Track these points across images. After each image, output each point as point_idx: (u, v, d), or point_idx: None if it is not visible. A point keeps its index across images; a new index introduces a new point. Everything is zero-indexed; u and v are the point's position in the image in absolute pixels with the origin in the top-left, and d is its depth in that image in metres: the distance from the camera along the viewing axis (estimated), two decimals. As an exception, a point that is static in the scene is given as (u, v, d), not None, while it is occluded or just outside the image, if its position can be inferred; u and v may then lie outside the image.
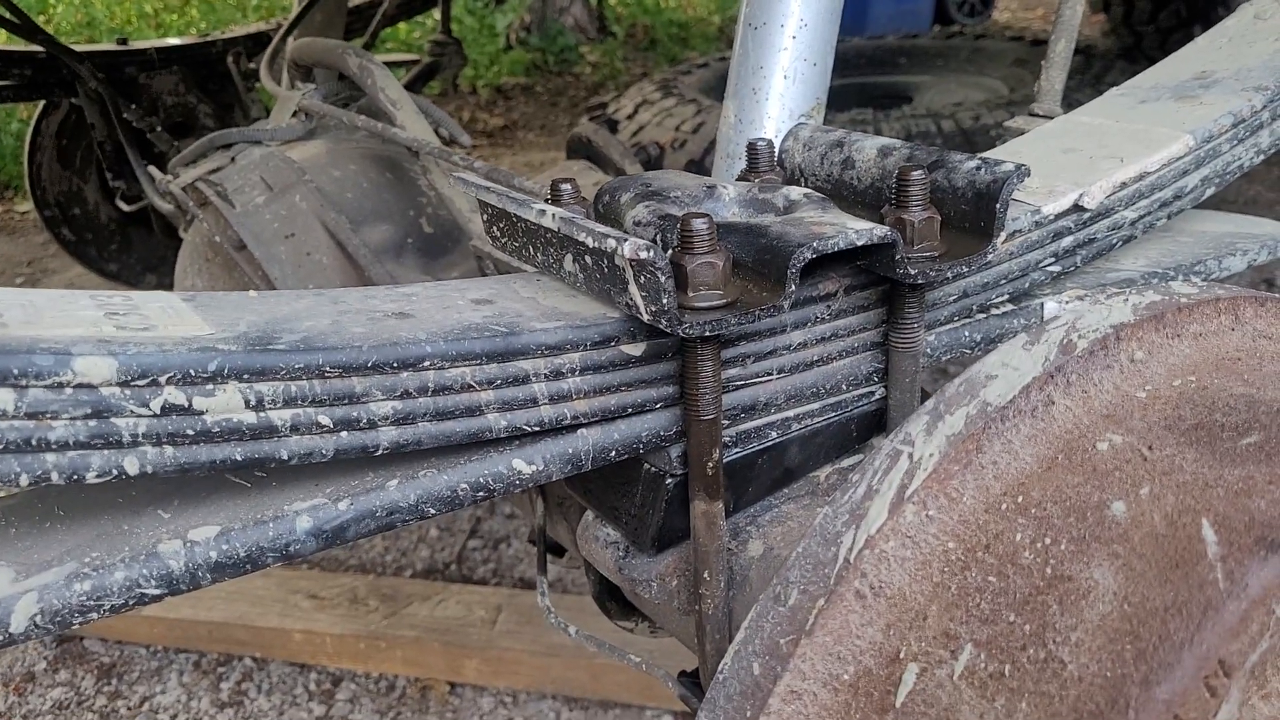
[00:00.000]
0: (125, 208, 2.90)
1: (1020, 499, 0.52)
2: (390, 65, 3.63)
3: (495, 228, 0.90)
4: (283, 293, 0.77)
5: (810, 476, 0.94)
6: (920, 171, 0.85)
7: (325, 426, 0.67)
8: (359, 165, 1.80)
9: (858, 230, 0.79)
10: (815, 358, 0.89)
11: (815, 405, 0.90)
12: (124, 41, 2.90)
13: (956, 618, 0.50)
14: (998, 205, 0.85)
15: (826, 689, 0.52)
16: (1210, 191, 1.09)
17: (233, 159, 1.78)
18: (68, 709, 2.04)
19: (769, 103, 1.24)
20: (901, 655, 0.51)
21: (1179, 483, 0.49)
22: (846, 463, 0.96)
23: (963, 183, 0.88)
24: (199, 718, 2.00)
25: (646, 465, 0.86)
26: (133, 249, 3.16)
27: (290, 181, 1.70)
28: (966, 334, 0.97)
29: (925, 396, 1.21)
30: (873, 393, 0.94)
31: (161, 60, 2.77)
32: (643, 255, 0.71)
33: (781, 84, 1.23)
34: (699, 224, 0.76)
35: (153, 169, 2.02)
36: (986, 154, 1.14)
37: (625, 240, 0.72)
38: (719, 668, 0.54)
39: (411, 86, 3.13)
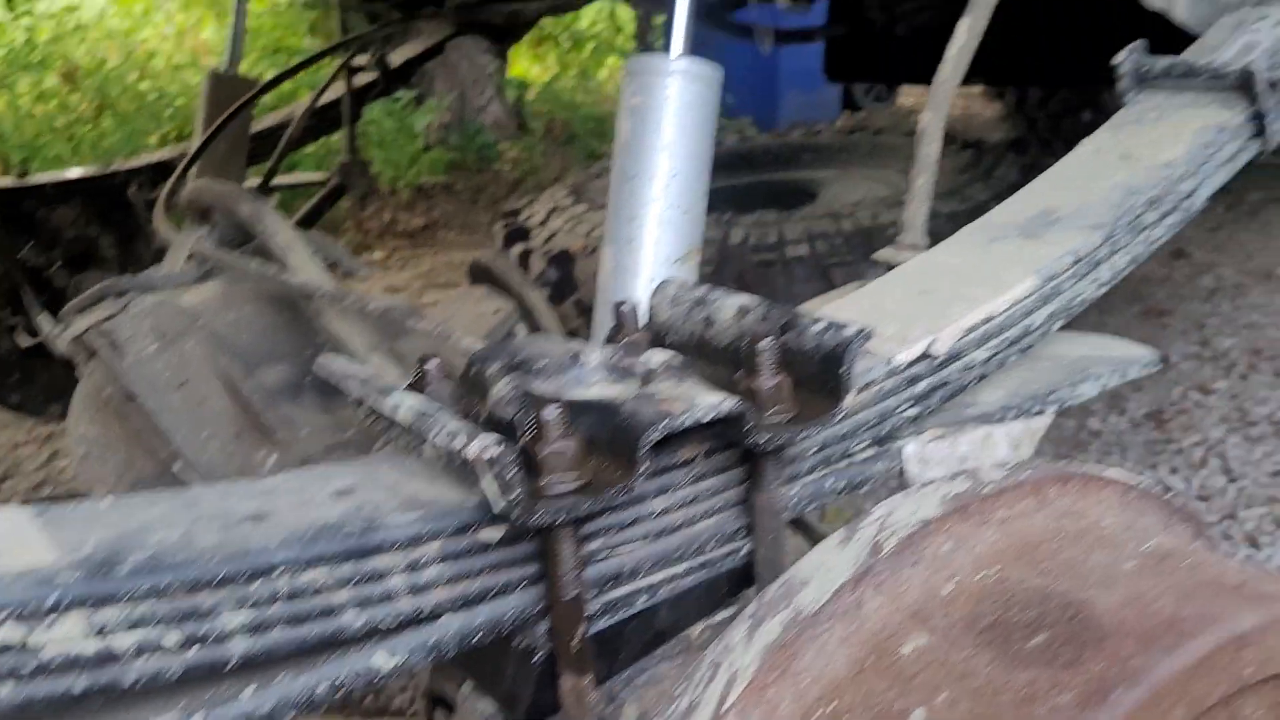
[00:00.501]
0: (25, 342, 2.85)
1: (832, 705, 0.55)
2: (297, 187, 3.66)
3: (359, 411, 0.92)
4: (136, 500, 0.77)
5: (682, 635, 0.95)
6: (769, 339, 0.89)
7: (171, 647, 0.68)
8: (255, 306, 1.80)
9: (705, 406, 0.82)
10: (679, 521, 0.91)
11: (682, 567, 0.92)
12: (24, 174, 2.88)
13: (771, 834, 0.52)
14: (843, 369, 0.88)
15: None
16: (1058, 325, 1.15)
17: (125, 306, 1.78)
18: None
19: (644, 250, 1.28)
20: None
21: (973, 688, 0.52)
22: (719, 617, 0.97)
23: (811, 345, 0.92)
24: None
25: (515, 642, 0.87)
26: (35, 380, 3.11)
27: (182, 329, 1.70)
28: (830, 483, 1.01)
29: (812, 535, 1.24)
30: (739, 548, 0.96)
31: (60, 194, 2.76)
32: (489, 455, 0.73)
33: (656, 232, 1.28)
34: (550, 413, 0.79)
35: (43, 318, 2.01)
36: (848, 295, 1.19)
37: (472, 441, 0.74)
38: None
39: (319, 208, 3.15)
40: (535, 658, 0.86)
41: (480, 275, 2.08)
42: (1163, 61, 1.40)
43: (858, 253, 2.84)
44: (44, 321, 2.01)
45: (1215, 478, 2.59)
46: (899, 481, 1.05)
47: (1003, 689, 0.51)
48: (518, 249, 3.37)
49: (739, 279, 2.92)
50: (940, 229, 2.85)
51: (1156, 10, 1.56)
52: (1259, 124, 1.30)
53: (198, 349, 1.69)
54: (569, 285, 3.26)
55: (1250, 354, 3.22)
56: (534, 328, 2.02)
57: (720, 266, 2.95)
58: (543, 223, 3.83)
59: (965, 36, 1.31)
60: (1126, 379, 1.20)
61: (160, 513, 0.75)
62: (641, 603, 0.91)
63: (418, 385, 0.91)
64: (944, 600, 0.58)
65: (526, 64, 9.54)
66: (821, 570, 0.59)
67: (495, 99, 8.76)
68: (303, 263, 1.70)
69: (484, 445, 0.73)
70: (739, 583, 0.97)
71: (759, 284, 2.91)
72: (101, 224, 2.84)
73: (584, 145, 8.70)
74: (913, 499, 0.62)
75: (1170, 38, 1.57)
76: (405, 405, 0.81)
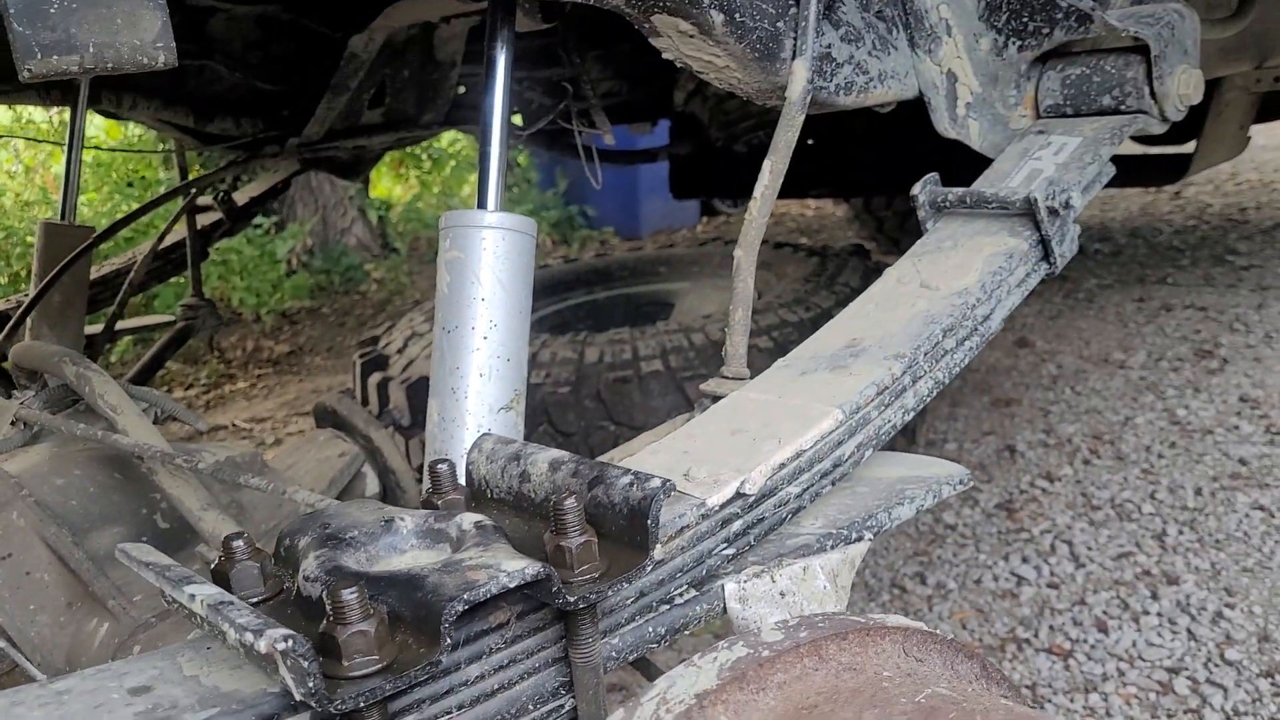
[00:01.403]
0: None
1: None
2: (143, 329, 3.58)
3: (164, 598, 0.90)
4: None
5: (509, 802, 0.94)
6: (573, 499, 0.91)
7: None
8: (85, 469, 1.75)
9: (509, 573, 0.83)
10: (496, 685, 0.91)
11: (503, 732, 0.92)
12: None
13: None
14: (649, 521, 0.90)
15: None
16: (868, 453, 1.19)
17: (-55, 478, 1.70)
18: None
19: (468, 400, 1.29)
20: None
21: None
22: (547, 778, 0.97)
23: (619, 499, 0.94)
24: None
25: (330, 828, 0.85)
26: None
27: (6, 498, 1.64)
28: (651, 629, 1.02)
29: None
30: (562, 705, 0.96)
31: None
32: (280, 647, 0.72)
33: (478, 382, 1.29)
34: (348, 595, 0.78)
35: None
36: (665, 435, 1.21)
37: (261, 634, 0.73)
38: None
39: (165, 351, 3.09)
40: (351, 844, 0.83)
41: (325, 417, 2.06)
42: (956, 191, 1.49)
43: (710, 365, 2.90)
44: None
45: (1064, 564, 2.68)
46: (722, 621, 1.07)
47: None
48: (375, 379, 3.35)
49: (596, 397, 2.95)
50: (788, 337, 2.94)
51: (954, 139, 1.66)
52: (1045, 248, 1.39)
53: (22, 519, 1.63)
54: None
55: (1091, 439, 3.38)
56: (382, 468, 2.01)
57: (577, 385, 2.98)
58: (400, 350, 3.81)
59: (769, 177, 1.37)
60: (940, 499, 1.25)
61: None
62: (463, 773, 0.90)
63: (224, 566, 0.90)
64: (720, 775, 0.59)
65: (389, 183, 9.59)
66: (600, 754, 0.59)
67: (358, 220, 8.76)
68: (133, 422, 1.66)
69: (273, 639, 0.72)
70: (564, 741, 0.97)
71: (616, 401, 2.95)
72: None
73: (451, 262, 8.70)
74: (692, 670, 0.64)
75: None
76: (200, 597, 0.80)
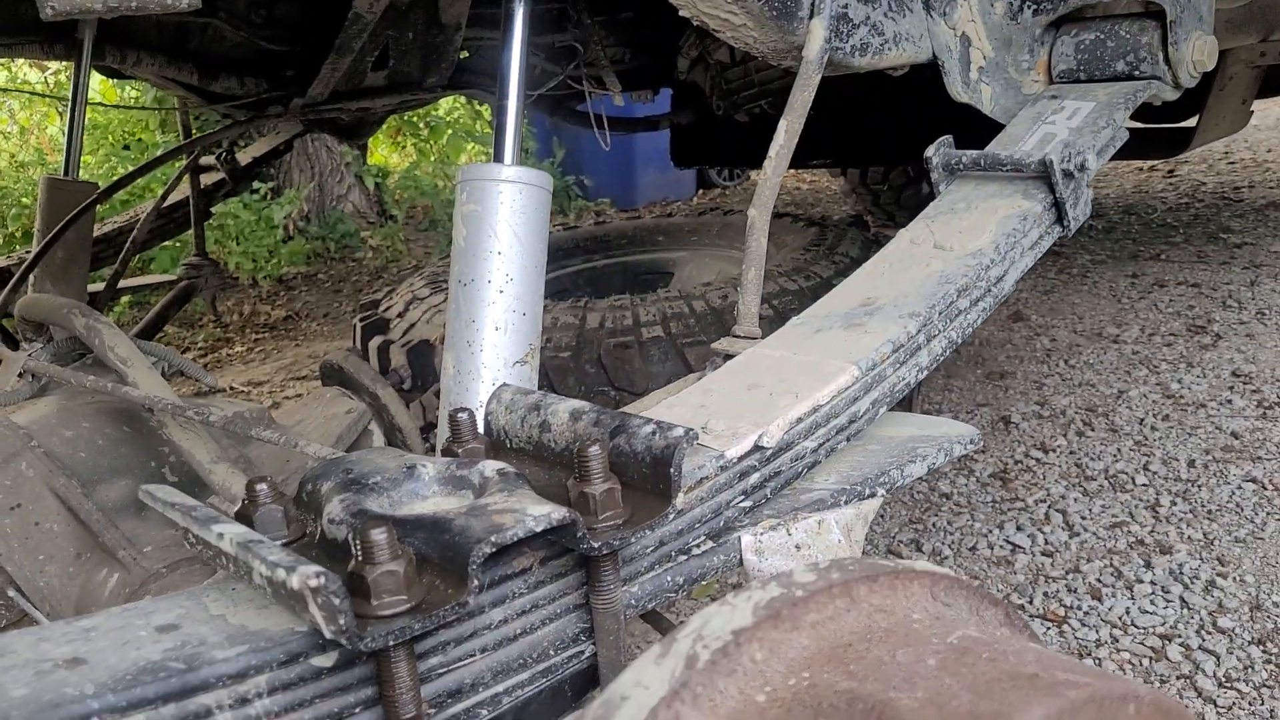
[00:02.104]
0: None
1: (650, 823, 0.56)
2: (145, 288, 3.57)
3: (187, 539, 0.91)
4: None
5: (530, 744, 0.96)
6: (596, 446, 0.91)
7: (-19, 809, 0.65)
8: (93, 422, 1.75)
9: (535, 517, 0.84)
10: (519, 630, 0.92)
11: (524, 675, 0.93)
12: None
13: None
14: (671, 469, 0.91)
15: None
16: (882, 410, 1.20)
17: (-48, 428, 1.70)
18: None
19: (483, 354, 1.29)
20: None
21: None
22: (566, 722, 0.98)
23: (641, 448, 0.94)
24: None
25: (354, 767, 0.86)
26: None
27: (15, 449, 1.64)
28: (669, 578, 1.03)
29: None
30: (582, 651, 0.97)
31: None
32: (313, 584, 0.73)
33: (494, 336, 1.29)
34: (377, 535, 0.79)
35: None
36: (682, 390, 1.22)
37: (294, 570, 0.73)
38: None
39: (167, 310, 3.08)
40: (376, 782, 0.84)
41: (332, 375, 2.07)
42: (970, 154, 1.49)
43: (710, 332, 2.90)
44: None
45: (1058, 533, 2.70)
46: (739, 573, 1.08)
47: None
48: (376, 342, 3.35)
49: (597, 362, 2.95)
50: (788, 305, 2.93)
51: (965, 103, 1.66)
52: (1058, 211, 1.40)
53: (31, 470, 1.63)
54: (430, 376, 3.25)
55: (1085, 411, 3.39)
56: (388, 425, 2.01)
57: (578, 350, 2.98)
58: (401, 314, 3.81)
59: (784, 137, 1.37)
60: (951, 457, 1.26)
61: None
62: (485, 715, 0.91)
63: (248, 510, 0.91)
64: (759, 708, 0.60)
65: (386, 151, 9.54)
66: (638, 688, 0.60)
67: (355, 187, 8.72)
68: (142, 375, 1.66)
69: (305, 576, 0.73)
70: (583, 687, 0.98)
71: (616, 366, 2.95)
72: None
73: (446, 230, 8.70)
74: (727, 608, 0.65)
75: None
76: (229, 535, 0.80)
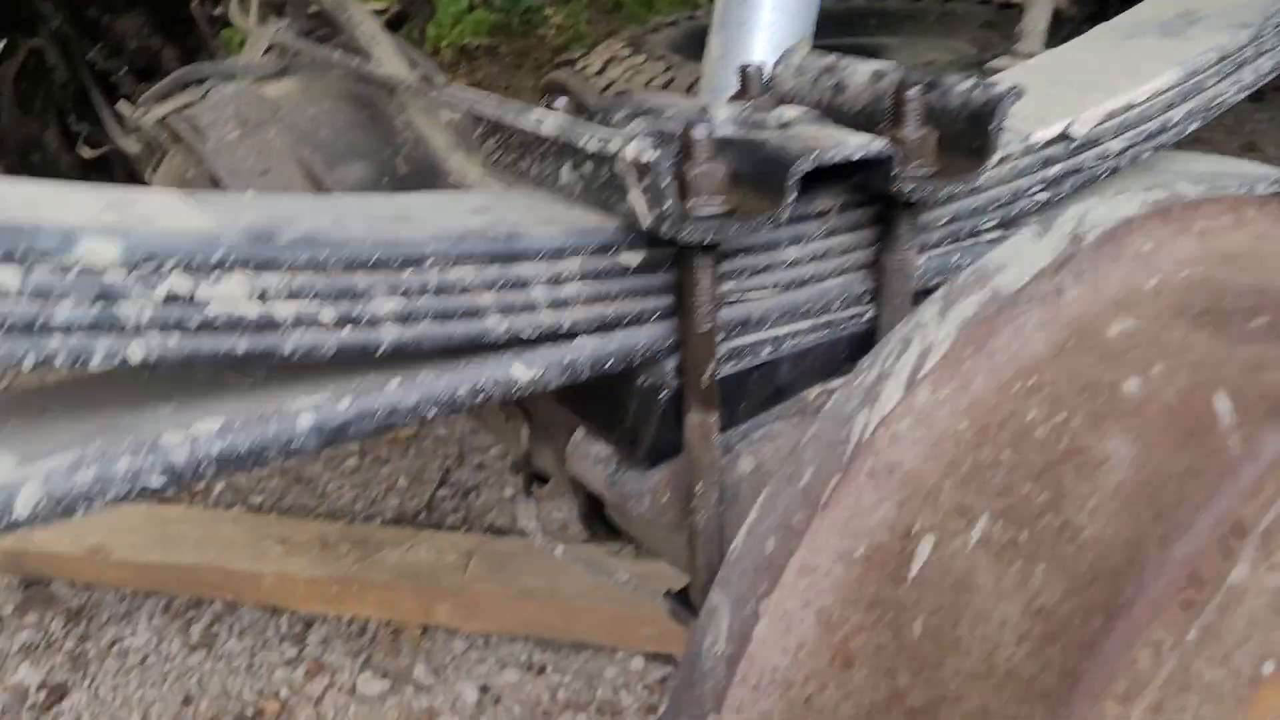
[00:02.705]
0: (87, 154, 2.84)
1: (1033, 380, 0.53)
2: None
3: (490, 143, 0.90)
4: (280, 194, 0.76)
5: (799, 396, 0.94)
6: (916, 89, 0.86)
7: (328, 323, 0.67)
8: (333, 103, 1.77)
9: (856, 143, 0.80)
10: (809, 275, 0.89)
11: (807, 323, 0.91)
12: (86, -18, 2.82)
13: (970, 491, 0.51)
14: (992, 125, 0.85)
15: (840, 563, 0.52)
16: (1194, 126, 1.11)
17: (205, 95, 1.74)
18: (36, 650, 2.03)
19: (756, 34, 1.24)
20: (915, 529, 0.51)
21: (1191, 361, 0.50)
22: (835, 383, 0.96)
23: (957, 103, 0.88)
24: (170, 659, 1.99)
25: (641, 378, 0.86)
26: (94, 195, 3.09)
27: (264, 118, 1.67)
28: (955, 259, 0.98)
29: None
30: (863, 313, 0.94)
31: (125, 2, 2.71)
32: (646, 158, 0.71)
33: (769, 15, 1.23)
34: (700, 132, 0.76)
35: (122, 105, 1.98)
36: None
37: (629, 143, 0.71)
38: (731, 547, 0.55)
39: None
40: (661, 395, 0.85)
41: (555, 91, 2.03)
42: None
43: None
44: (121, 110, 1.99)
45: None
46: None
47: (1226, 360, 0.49)
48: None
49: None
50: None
51: None
52: None
53: (279, 139, 1.66)
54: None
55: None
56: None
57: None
58: (599, 72, 3.75)
59: None
60: (1256, 195, 1.16)
61: (307, 206, 0.74)
62: (765, 354, 0.89)
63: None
64: (1149, 292, 0.56)
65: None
66: (1018, 257, 0.57)
67: (543, -39, 8.55)
68: (388, 55, 1.66)
69: (640, 149, 0.71)
70: (857, 350, 0.96)
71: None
72: (165, 35, 2.80)
73: (631, 13, 8.50)
74: (1109, 201, 0.60)
75: None
76: (550, 120, 0.79)
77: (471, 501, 2.40)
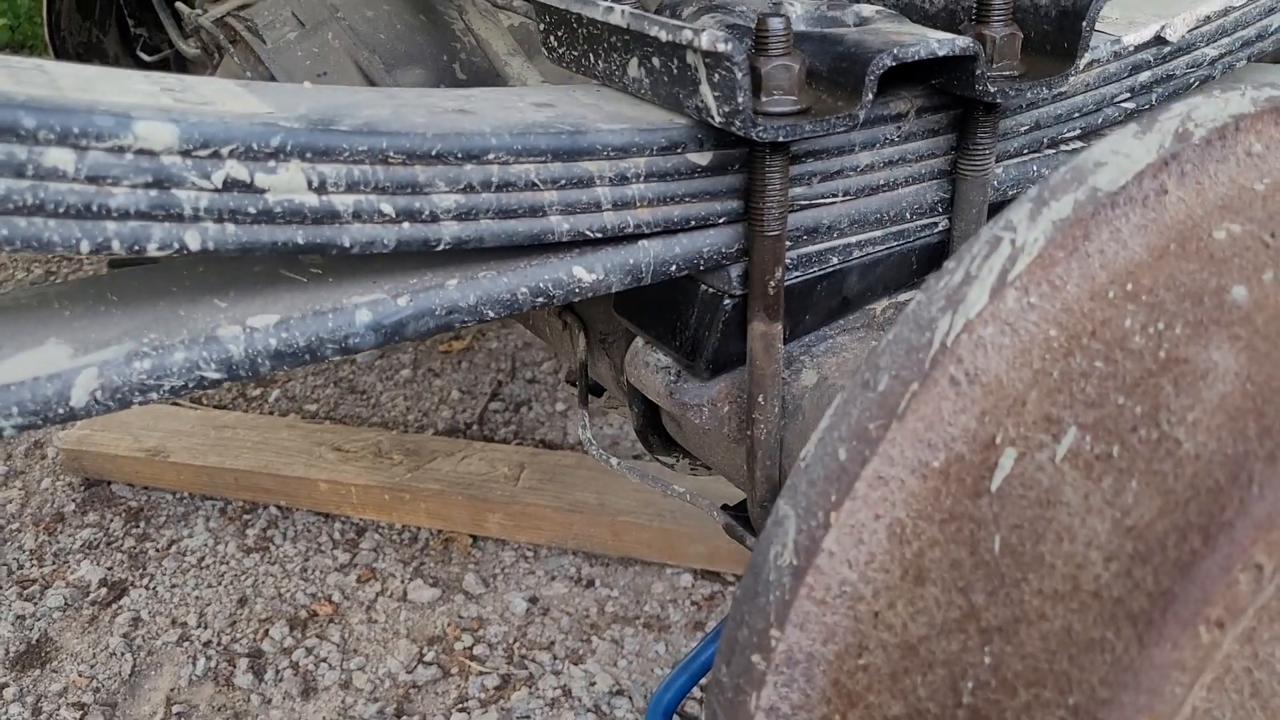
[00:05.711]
0: (146, 59, 2.83)
1: (1130, 286, 0.50)
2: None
3: (553, 37, 0.87)
4: (338, 86, 0.74)
5: (866, 309, 0.92)
6: (1003, -15, 0.81)
7: (387, 215, 0.65)
8: (392, 6, 1.74)
9: (939, 40, 0.76)
10: (881, 182, 0.86)
11: (878, 233, 0.88)
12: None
13: (1059, 403, 0.48)
14: (1084, 23, 0.81)
15: (915, 475, 0.50)
16: (1294, 35, 1.04)
17: (262, -6, 1.72)
18: (97, 549, 2.07)
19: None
20: (998, 441, 0.49)
21: (1305, 268, 0.47)
22: (903, 297, 0.93)
23: (1046, 1, 0.84)
24: (226, 560, 2.03)
25: (704, 285, 0.83)
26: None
27: (323, 18, 1.64)
28: (1035, 169, 0.94)
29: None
30: (936, 224, 0.91)
31: (183, -99, 2.67)
32: (720, 48, 0.67)
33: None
34: (776, 23, 0.72)
35: (180, 5, 1.96)
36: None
37: (702, 32, 0.68)
38: (801, 454, 0.52)
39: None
40: (725, 303, 0.82)
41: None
42: None
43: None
44: (179, 12, 1.97)
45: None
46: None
47: (1344, 269, 0.46)
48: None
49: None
50: None
51: None
52: None
53: (337, 41, 1.63)
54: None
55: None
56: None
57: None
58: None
59: None
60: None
61: (365, 97, 0.71)
62: (834, 263, 0.87)
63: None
64: (1259, 195, 0.52)
65: None
66: (1118, 155, 0.53)
67: None
68: (447, -45, 1.62)
69: (714, 39, 0.67)
70: (929, 263, 0.92)
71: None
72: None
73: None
74: (1218, 98, 0.56)
75: None
76: (618, 9, 0.75)
77: (523, 415, 2.40)
